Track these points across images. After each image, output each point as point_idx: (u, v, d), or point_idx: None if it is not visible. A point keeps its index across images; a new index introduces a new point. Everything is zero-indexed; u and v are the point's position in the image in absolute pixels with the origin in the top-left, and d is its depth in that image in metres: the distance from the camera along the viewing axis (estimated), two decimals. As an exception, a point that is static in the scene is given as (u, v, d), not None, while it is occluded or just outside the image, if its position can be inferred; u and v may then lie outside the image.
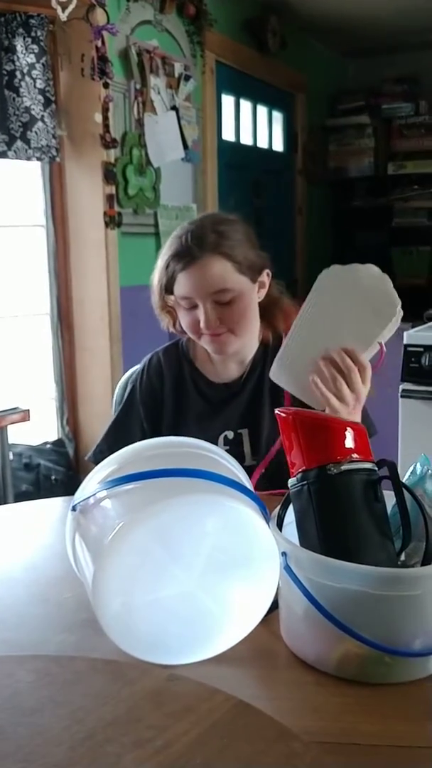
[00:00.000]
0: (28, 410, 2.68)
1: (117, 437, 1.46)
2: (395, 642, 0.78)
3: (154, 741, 0.53)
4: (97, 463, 1.35)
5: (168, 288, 1.41)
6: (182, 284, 1.37)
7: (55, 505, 1.46)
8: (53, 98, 2.70)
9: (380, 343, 1.20)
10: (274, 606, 0.86)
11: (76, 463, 3.06)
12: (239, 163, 3.91)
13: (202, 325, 1.36)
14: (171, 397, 1.49)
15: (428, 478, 0.90)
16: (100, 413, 3.04)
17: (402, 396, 2.38)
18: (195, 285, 1.35)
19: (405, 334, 2.44)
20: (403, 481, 0.90)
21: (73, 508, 0.90)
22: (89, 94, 2.76)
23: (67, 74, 2.77)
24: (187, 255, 1.35)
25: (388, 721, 0.73)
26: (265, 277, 1.44)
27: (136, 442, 0.99)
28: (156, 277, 1.44)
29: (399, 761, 0.68)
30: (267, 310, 1.47)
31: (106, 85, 2.75)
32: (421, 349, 2.33)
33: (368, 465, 0.87)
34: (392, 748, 0.69)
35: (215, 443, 1.42)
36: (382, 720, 0.74)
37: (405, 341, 2.41)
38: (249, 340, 1.45)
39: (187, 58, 3.26)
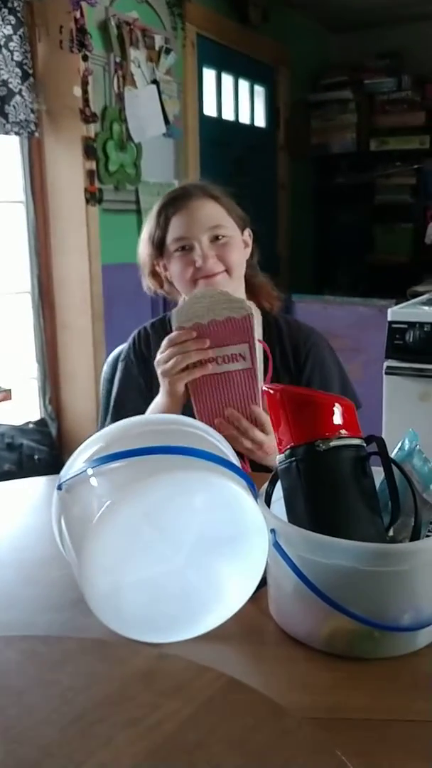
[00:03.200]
0: (10, 390, 2.66)
1: (121, 416, 1.45)
2: (384, 617, 0.78)
3: (146, 720, 0.52)
4: None
5: (160, 244, 1.41)
6: (177, 226, 1.39)
7: (38, 484, 1.45)
8: (31, 71, 2.64)
9: (260, 341, 1.23)
10: (263, 583, 0.86)
11: (59, 443, 3.04)
12: (221, 138, 3.86)
13: (198, 263, 1.36)
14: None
15: (416, 454, 0.90)
16: (82, 392, 3.02)
17: (386, 373, 2.38)
18: (191, 222, 1.38)
19: (389, 311, 2.43)
20: (391, 456, 0.89)
21: (59, 487, 0.89)
22: (68, 67, 2.70)
23: (45, 46, 2.71)
24: (180, 197, 1.40)
25: (377, 696, 0.74)
26: (248, 237, 1.46)
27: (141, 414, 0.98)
28: (146, 236, 1.46)
29: (388, 735, 0.68)
30: (249, 283, 1.48)
31: (85, 58, 2.69)
32: (405, 326, 2.33)
33: (357, 441, 0.86)
34: (381, 722, 0.70)
35: None
36: (371, 694, 0.74)
37: (389, 318, 2.41)
38: (237, 293, 1.43)
39: (168, 31, 3.20)
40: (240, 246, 1.43)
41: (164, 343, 1.23)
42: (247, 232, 1.47)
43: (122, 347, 1.61)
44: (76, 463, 0.90)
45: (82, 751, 0.50)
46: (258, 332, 1.22)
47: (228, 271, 1.39)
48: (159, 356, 1.23)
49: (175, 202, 1.40)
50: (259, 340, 1.22)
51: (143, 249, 1.47)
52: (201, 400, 1.20)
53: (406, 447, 0.91)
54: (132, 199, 3.09)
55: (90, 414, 2.93)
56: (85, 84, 2.73)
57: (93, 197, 2.83)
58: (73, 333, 2.98)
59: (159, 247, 1.42)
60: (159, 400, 1.27)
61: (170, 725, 0.52)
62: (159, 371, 1.24)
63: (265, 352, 1.28)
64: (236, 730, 0.53)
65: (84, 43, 2.66)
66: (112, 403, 1.52)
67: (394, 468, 0.85)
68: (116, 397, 1.52)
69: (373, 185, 4.76)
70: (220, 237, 1.38)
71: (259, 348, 1.22)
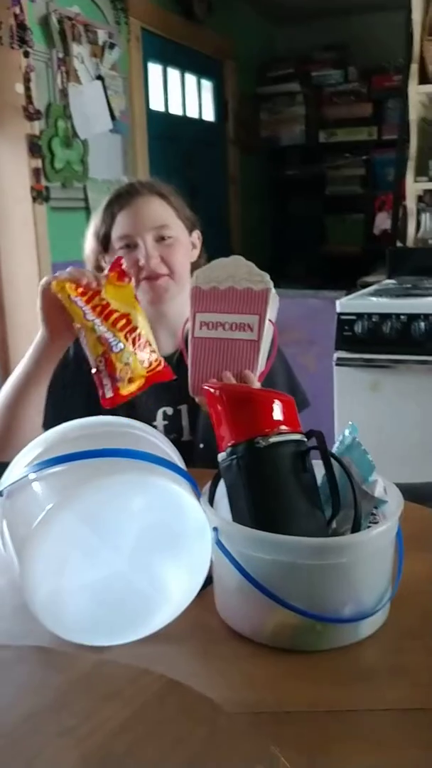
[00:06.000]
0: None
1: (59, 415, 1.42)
2: (326, 610, 0.79)
3: (79, 729, 0.52)
4: None
5: (105, 239, 1.39)
6: (122, 223, 1.37)
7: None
8: (-29, 68, 2.59)
9: (271, 321, 1.22)
10: (209, 581, 0.86)
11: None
12: (169, 133, 3.85)
13: (142, 262, 1.34)
14: None
15: (355, 446, 0.91)
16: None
17: (336, 364, 2.40)
18: (136, 220, 1.36)
19: (338, 302, 2.45)
20: (332, 450, 0.90)
21: (0, 494, 0.88)
22: (9, 64, 2.66)
23: (-16, 43, 2.66)
24: (127, 194, 1.38)
25: (321, 688, 0.75)
26: (196, 238, 1.45)
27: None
28: (91, 231, 1.44)
29: (330, 726, 0.69)
30: None
31: (26, 54, 2.65)
32: (354, 317, 2.35)
33: (296, 436, 0.87)
34: (324, 714, 0.71)
35: (154, 418, 1.41)
36: (315, 686, 0.75)
37: (338, 310, 2.42)
38: (182, 297, 1.38)
39: (111, 26, 3.17)
40: (186, 248, 1.41)
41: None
42: (196, 234, 1.46)
43: None
44: (16, 468, 0.89)
45: (13, 765, 0.49)
46: (272, 313, 1.21)
47: (171, 274, 1.37)
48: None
49: (120, 199, 1.38)
50: (270, 320, 1.20)
51: (88, 244, 1.45)
52: (199, 361, 1.20)
53: (346, 440, 0.92)
54: (80, 197, 3.06)
55: (45, 415, 2.89)
56: (27, 80, 2.68)
57: (40, 195, 2.79)
58: (24, 333, 2.94)
59: (104, 243, 1.40)
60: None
61: (102, 734, 0.51)
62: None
63: (273, 336, 1.25)
64: (171, 733, 0.53)
65: (24, 39, 2.62)
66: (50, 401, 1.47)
67: (334, 461, 0.86)
68: (55, 396, 1.47)
69: (323, 177, 4.80)
70: (165, 237, 1.36)
71: (269, 329, 1.21)
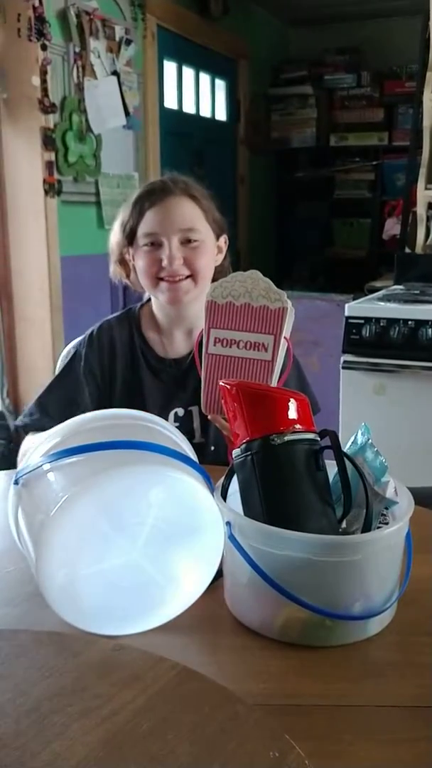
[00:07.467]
0: (-33, 383, 2.62)
1: (49, 401, 1.43)
2: (336, 606, 0.80)
3: (101, 710, 0.53)
4: (25, 427, 1.33)
5: (131, 234, 1.39)
6: (150, 221, 1.36)
7: (-5, 478, 1.44)
8: (-12, 59, 2.60)
9: (286, 338, 1.21)
10: (219, 574, 0.87)
11: (17, 436, 3.01)
12: (181, 131, 3.86)
13: (164, 263, 1.34)
14: (123, 367, 1.46)
15: (368, 447, 0.92)
16: (41, 385, 2.99)
17: (343, 367, 2.41)
18: (164, 220, 1.35)
19: (346, 306, 2.46)
20: (345, 450, 0.92)
21: (16, 482, 0.89)
22: (26, 57, 2.67)
23: (3, 35, 2.67)
24: (160, 191, 1.37)
25: (329, 682, 0.76)
26: (223, 243, 1.45)
27: (73, 409, 0.97)
28: (118, 223, 1.43)
29: (338, 719, 0.70)
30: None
31: (44, 47, 2.67)
32: (362, 321, 2.36)
33: (310, 435, 0.88)
34: (332, 708, 0.72)
35: (165, 419, 1.42)
36: (323, 681, 0.76)
37: (346, 313, 2.44)
38: (202, 300, 1.37)
39: (128, 22, 3.18)
40: (211, 252, 1.41)
41: None
42: (224, 238, 1.45)
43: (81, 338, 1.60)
44: (32, 457, 0.90)
45: (36, 742, 0.51)
46: (288, 330, 1.19)
47: (193, 276, 1.37)
48: None
49: (152, 196, 1.37)
50: (285, 337, 1.19)
51: (114, 235, 1.45)
52: (212, 379, 1.19)
53: (359, 441, 0.94)
54: (92, 191, 3.07)
55: (49, 407, 2.90)
56: (43, 73, 2.70)
57: (52, 188, 2.81)
58: (31, 325, 2.95)
59: (129, 237, 1.40)
60: None
61: (124, 715, 0.53)
62: None
63: (288, 350, 1.24)
64: (189, 718, 0.54)
65: (42, 31, 2.64)
66: (45, 389, 1.47)
67: (347, 461, 0.87)
68: (50, 385, 1.47)
69: (332, 180, 4.82)
70: (191, 240, 1.36)
71: (284, 345, 1.19)
